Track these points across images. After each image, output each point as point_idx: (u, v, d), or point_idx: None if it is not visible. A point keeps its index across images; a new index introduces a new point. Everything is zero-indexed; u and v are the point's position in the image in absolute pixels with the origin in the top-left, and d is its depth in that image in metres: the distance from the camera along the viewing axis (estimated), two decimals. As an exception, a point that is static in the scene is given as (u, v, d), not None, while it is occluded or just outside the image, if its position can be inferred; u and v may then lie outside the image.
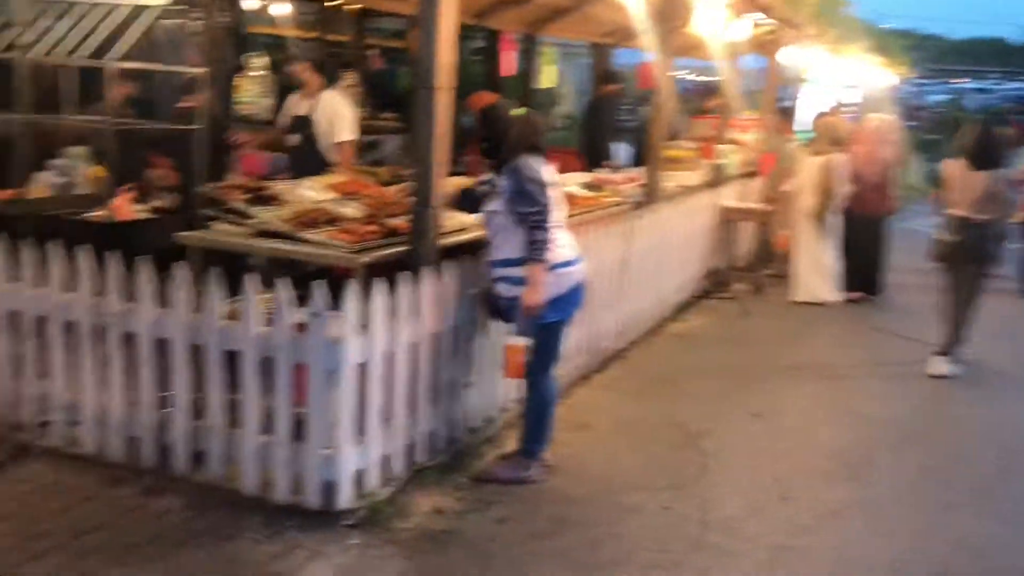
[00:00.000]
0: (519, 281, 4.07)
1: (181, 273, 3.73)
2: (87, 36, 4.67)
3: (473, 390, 4.53)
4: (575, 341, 5.56)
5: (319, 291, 3.51)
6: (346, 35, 10.10)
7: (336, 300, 3.53)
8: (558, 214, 4.16)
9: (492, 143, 4.16)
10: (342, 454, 3.62)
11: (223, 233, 4.31)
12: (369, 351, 3.68)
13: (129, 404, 3.95)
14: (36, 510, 3.63)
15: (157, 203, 5.05)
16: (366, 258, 4.03)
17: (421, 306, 3.98)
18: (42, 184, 6.18)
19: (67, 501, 3.71)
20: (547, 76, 7.85)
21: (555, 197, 4.15)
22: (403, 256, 4.19)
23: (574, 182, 7.08)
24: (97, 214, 4.87)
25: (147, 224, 4.84)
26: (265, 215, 4.21)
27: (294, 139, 5.93)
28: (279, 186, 4.69)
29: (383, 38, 14.29)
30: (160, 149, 6.51)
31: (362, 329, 3.63)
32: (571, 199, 6.10)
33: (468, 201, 4.35)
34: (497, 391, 4.75)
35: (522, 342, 4.02)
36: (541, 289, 3.97)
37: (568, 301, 4.21)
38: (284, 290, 3.57)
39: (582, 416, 5.10)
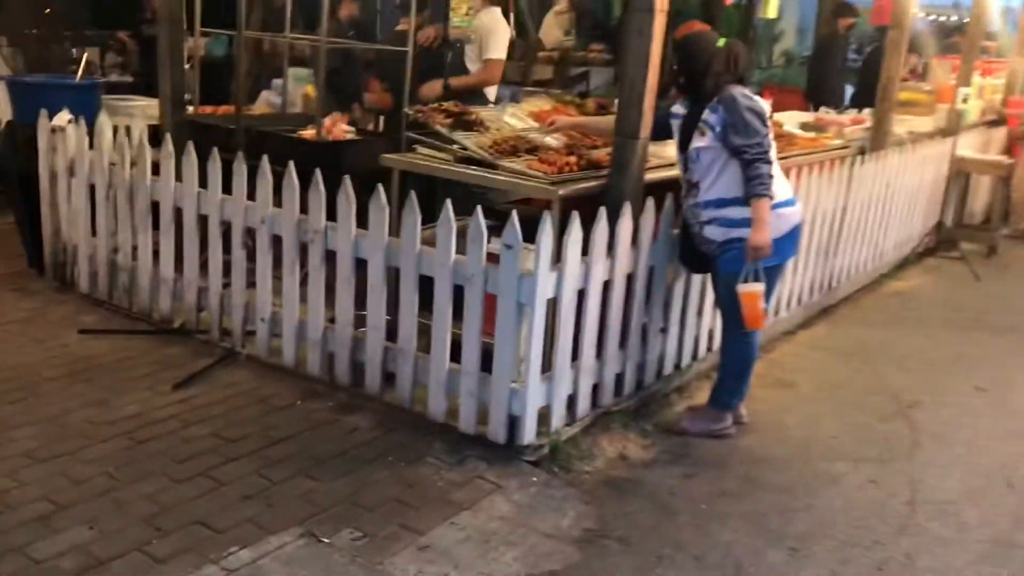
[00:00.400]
0: (733, 223, 3.80)
1: (379, 196, 3.71)
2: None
3: (666, 335, 4.32)
4: (783, 292, 5.22)
5: (512, 222, 3.38)
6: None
7: (531, 232, 3.41)
8: (774, 151, 3.84)
9: (692, 75, 3.85)
10: (528, 389, 3.53)
11: (425, 157, 4.27)
12: (560, 287, 3.54)
13: (328, 320, 4.02)
14: (235, 415, 3.78)
15: (368, 124, 5.09)
16: (563, 190, 3.87)
17: (617, 244, 3.79)
18: (263, 102, 6.43)
19: (264, 409, 3.84)
20: (771, 6, 7.29)
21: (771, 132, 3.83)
22: (602, 189, 4.01)
23: (793, 121, 6.60)
24: (309, 133, 4.96)
25: (356, 145, 4.89)
26: (465, 140, 4.12)
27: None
28: (482, 112, 4.58)
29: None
30: (375, 71, 6.61)
31: (555, 264, 3.50)
32: (789, 139, 5.69)
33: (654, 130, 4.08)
34: (691, 338, 4.52)
35: (758, 287, 3.75)
36: (767, 227, 3.69)
37: (785, 245, 3.90)
38: (478, 219, 3.47)
39: (784, 373, 4.78)
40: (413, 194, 3.67)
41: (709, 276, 4.20)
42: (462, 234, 3.56)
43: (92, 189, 4.72)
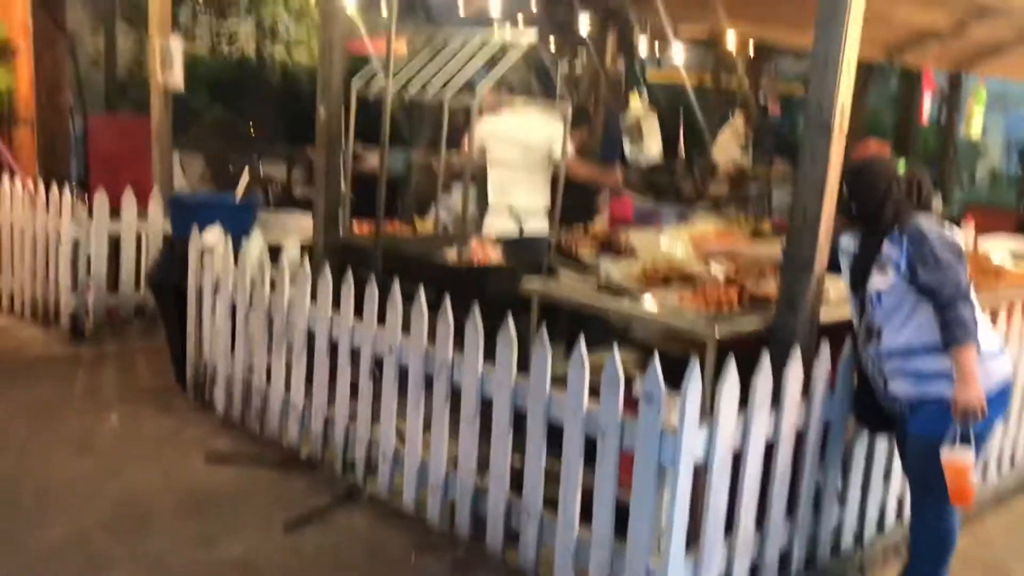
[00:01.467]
0: (925, 377, 3.17)
1: (507, 329, 3.34)
2: (454, 75, 4.53)
3: (844, 503, 3.65)
4: (994, 449, 4.42)
5: (653, 367, 2.91)
6: (741, 78, 9.49)
7: (679, 378, 2.92)
8: (972, 290, 3.21)
9: (868, 204, 3.29)
10: (669, 568, 2.97)
11: (565, 286, 3.89)
12: (711, 447, 3.00)
13: (450, 463, 3.64)
14: (342, 567, 3.43)
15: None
16: (720, 330, 3.36)
17: (784, 395, 3.23)
18: (430, 219, 6.31)
19: (374, 563, 3.47)
20: (974, 124, 6.56)
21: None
22: (767, 330, 3.47)
23: (1002, 249, 5.79)
24: (452, 255, 4.71)
25: (499, 270, 4.57)
26: (611, 268, 3.72)
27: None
28: (635, 236, 4.18)
29: (784, 82, 13.48)
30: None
31: (705, 419, 2.98)
32: (997, 272, 4.93)
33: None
34: (876, 506, 3.82)
35: (967, 456, 3.07)
36: (976, 381, 3.04)
37: (994, 406, 3.21)
38: (615, 362, 3.02)
39: (994, 555, 3.95)
40: (544, 328, 3.27)
41: (895, 438, 3.52)
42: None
43: (235, 308, 4.63)
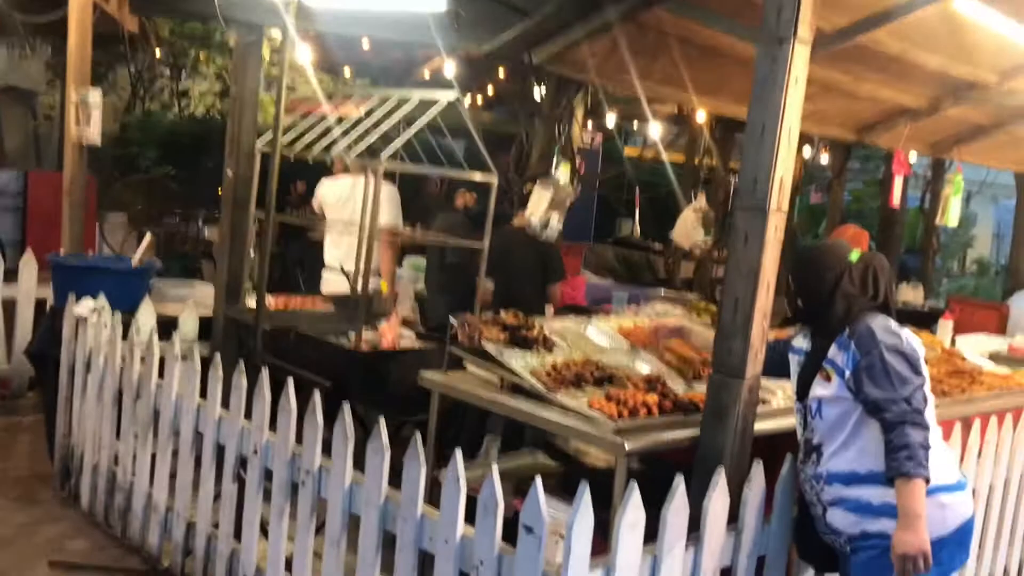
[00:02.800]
0: (869, 509, 2.64)
1: (377, 436, 2.78)
2: (352, 133, 4.08)
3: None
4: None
5: (535, 492, 2.36)
6: (710, 153, 9.10)
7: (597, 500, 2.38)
8: (931, 409, 2.68)
9: (814, 297, 2.80)
10: None
11: (467, 380, 3.35)
12: (608, 591, 2.43)
13: (315, 590, 3.05)
14: None
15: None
16: (630, 442, 2.81)
17: (705, 527, 2.66)
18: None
19: None
20: (950, 212, 6.13)
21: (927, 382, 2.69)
22: (693, 445, 2.93)
23: (980, 349, 5.30)
24: (363, 338, 4.17)
25: (404, 357, 4.02)
26: (515, 362, 3.18)
27: None
28: (557, 323, 3.65)
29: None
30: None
31: (602, 559, 2.41)
32: (972, 375, 4.42)
33: (773, 364, 3.00)
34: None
35: None
36: (922, 524, 2.48)
37: (950, 550, 2.66)
38: (493, 481, 2.47)
39: None
40: (418, 436, 2.71)
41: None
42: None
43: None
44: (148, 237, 5.03)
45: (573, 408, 2.96)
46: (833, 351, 2.73)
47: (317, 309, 4.90)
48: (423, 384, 3.42)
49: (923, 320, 6.46)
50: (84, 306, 4.17)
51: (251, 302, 4.62)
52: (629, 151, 11.65)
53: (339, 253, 5.13)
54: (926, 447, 2.54)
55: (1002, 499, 3.96)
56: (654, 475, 2.77)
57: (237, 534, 3.35)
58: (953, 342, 5.69)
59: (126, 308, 4.53)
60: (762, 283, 2.83)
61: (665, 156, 10.61)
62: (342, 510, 2.90)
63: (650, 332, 3.64)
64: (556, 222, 5.08)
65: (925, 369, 2.71)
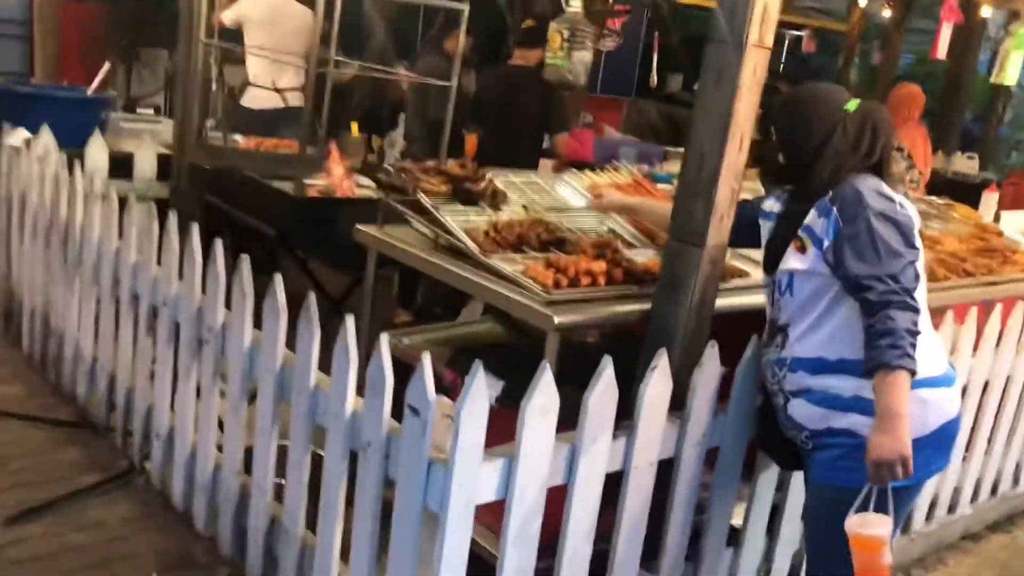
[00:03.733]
0: (838, 402, 2.25)
1: (273, 296, 2.43)
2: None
3: (740, 548, 2.77)
4: (957, 480, 3.49)
5: (422, 369, 2.01)
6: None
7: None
8: (922, 289, 2.24)
9: (797, 152, 2.32)
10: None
11: (408, 235, 2.96)
12: (510, 482, 2.10)
13: (220, 457, 2.79)
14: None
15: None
16: (561, 316, 2.43)
17: (639, 414, 2.30)
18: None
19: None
20: (1008, 70, 5.40)
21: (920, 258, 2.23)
22: (642, 320, 2.55)
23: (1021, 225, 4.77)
24: (317, 183, 3.79)
25: (357, 206, 3.63)
26: (452, 220, 2.77)
27: None
28: (515, 178, 3.22)
29: (817, 17, 12.14)
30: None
31: (506, 448, 2.08)
32: (1004, 253, 3.93)
33: (741, 231, 2.55)
34: (785, 555, 2.93)
35: (881, 529, 2.12)
36: (903, 425, 2.08)
37: (930, 451, 2.27)
38: (382, 354, 2.12)
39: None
40: (312, 296, 2.36)
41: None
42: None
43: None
44: (106, 66, 4.62)
45: (506, 274, 2.56)
46: (811, 217, 2.28)
47: (287, 151, 4.53)
48: (357, 239, 3.05)
49: (969, 192, 5.87)
50: (17, 136, 3.84)
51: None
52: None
53: (270, 69, 4.93)
54: (914, 333, 2.11)
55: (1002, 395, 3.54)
56: (625, 352, 2.42)
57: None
58: (997, 218, 5.14)
59: (78, 142, 4.21)
60: (733, 134, 2.36)
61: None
62: (242, 373, 2.60)
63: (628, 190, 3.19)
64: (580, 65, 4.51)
65: (919, 242, 2.25)
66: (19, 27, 8.85)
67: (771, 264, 2.40)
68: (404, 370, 2.78)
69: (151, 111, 6.35)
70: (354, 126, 4.47)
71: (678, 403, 2.44)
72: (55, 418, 3.48)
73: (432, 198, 2.87)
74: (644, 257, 2.82)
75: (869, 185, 2.23)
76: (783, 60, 13.00)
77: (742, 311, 2.74)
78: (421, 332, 3.25)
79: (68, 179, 3.45)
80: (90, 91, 4.46)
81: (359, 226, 3.05)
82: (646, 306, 2.56)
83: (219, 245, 2.65)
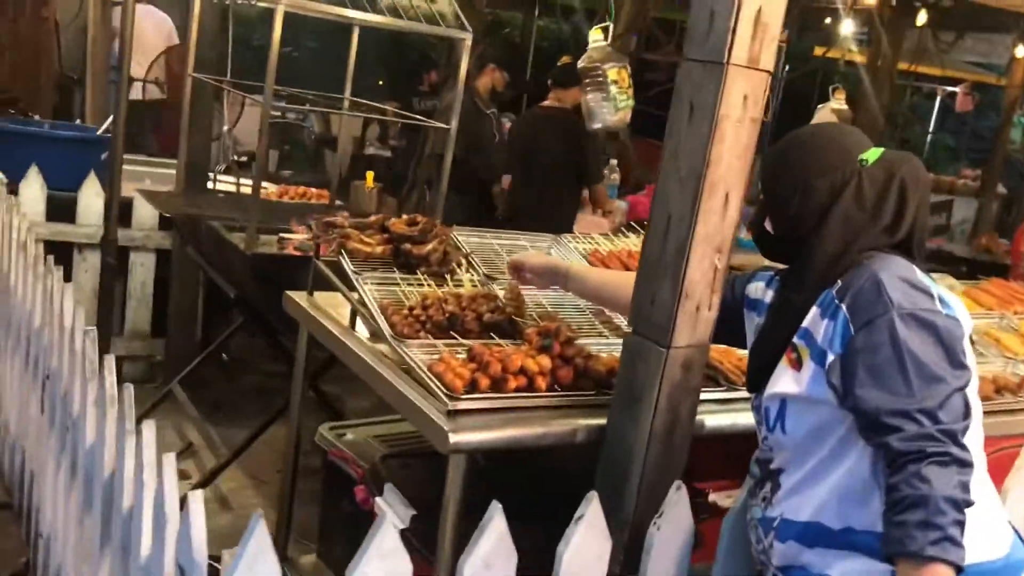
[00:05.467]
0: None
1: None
2: None
3: None
4: None
5: (191, 516, 1.39)
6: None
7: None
8: (977, 428, 1.47)
9: (792, 219, 1.59)
10: None
11: (317, 307, 2.37)
12: None
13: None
14: None
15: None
16: (464, 434, 1.75)
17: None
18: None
19: None
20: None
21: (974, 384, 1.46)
22: (590, 440, 1.85)
23: None
24: (296, 237, 3.28)
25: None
26: (371, 289, 2.15)
27: None
28: (497, 239, 2.57)
29: (974, 71, 10.97)
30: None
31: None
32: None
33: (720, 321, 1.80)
34: None
35: None
36: None
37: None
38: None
39: None
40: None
41: None
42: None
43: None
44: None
45: (413, 367, 1.92)
46: (811, 316, 1.55)
47: (312, 202, 4.07)
48: (286, 308, 2.48)
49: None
50: (-18, 174, 3.51)
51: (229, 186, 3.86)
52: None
53: None
54: (960, 504, 1.34)
55: None
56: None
57: None
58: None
59: (75, 183, 3.88)
60: (712, 188, 1.67)
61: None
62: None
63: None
64: (604, 109, 3.87)
65: (971, 357, 1.48)
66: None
67: (757, 379, 1.66)
68: (340, 480, 2.21)
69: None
70: (369, 176, 3.96)
71: (631, 565, 1.73)
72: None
73: (361, 261, 2.27)
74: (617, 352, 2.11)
75: (895, 271, 1.48)
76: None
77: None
78: (369, 425, 2.64)
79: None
80: (100, 131, 4.15)
81: (288, 293, 2.48)
82: (599, 421, 1.87)
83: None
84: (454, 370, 1.85)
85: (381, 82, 10.25)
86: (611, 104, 3.54)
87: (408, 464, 2.21)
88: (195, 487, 3.24)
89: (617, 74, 3.87)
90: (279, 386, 3.68)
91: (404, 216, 2.42)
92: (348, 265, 2.23)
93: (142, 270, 4.00)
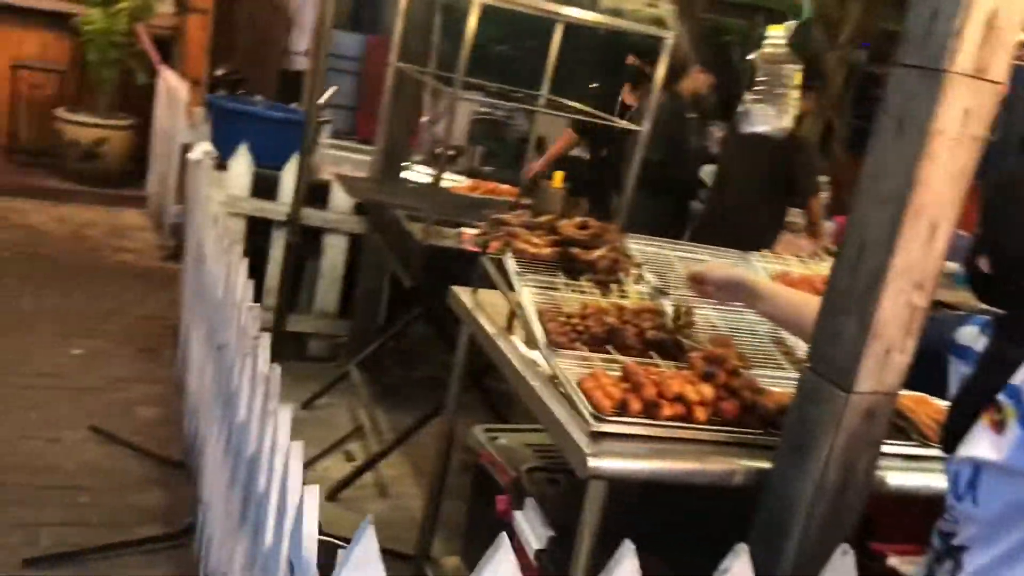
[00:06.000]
0: None
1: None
2: None
3: None
4: None
5: (304, 507, 1.34)
6: None
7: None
8: None
9: (1013, 259, 1.33)
10: None
11: (479, 306, 2.29)
12: None
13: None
14: None
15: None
16: (601, 460, 1.61)
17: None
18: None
19: None
20: None
21: None
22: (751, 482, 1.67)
23: None
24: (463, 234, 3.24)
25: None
26: (528, 295, 2.04)
27: None
28: (675, 250, 2.41)
29: None
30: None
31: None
32: None
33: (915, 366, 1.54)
34: None
35: None
36: None
37: None
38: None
39: None
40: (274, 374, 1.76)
41: None
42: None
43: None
44: (333, 88, 4.44)
45: (562, 378, 1.79)
46: (1024, 374, 1.29)
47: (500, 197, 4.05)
48: (450, 304, 2.43)
49: None
50: (199, 149, 3.71)
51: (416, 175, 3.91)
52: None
53: None
54: None
55: None
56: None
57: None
58: None
59: (280, 161, 4.05)
60: (916, 216, 1.44)
61: None
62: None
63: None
64: (771, 112, 3.59)
65: None
66: (352, 63, 9.36)
67: (953, 438, 1.42)
68: (488, 484, 2.15)
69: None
70: (557, 175, 3.87)
71: (784, 631, 1.53)
72: (161, 454, 3.22)
73: (527, 262, 2.17)
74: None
75: None
76: None
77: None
78: (526, 431, 2.54)
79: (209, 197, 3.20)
80: (303, 112, 4.30)
81: (454, 287, 2.43)
82: (762, 465, 1.68)
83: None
84: (604, 388, 1.71)
85: (596, 84, 10.20)
86: (780, 107, 3.26)
87: (555, 480, 2.09)
88: (357, 471, 3.30)
89: (791, 77, 3.60)
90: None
91: (576, 218, 2.30)
92: (511, 264, 2.14)
93: (334, 252, 4.11)
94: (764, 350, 2.13)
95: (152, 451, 3.23)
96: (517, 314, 2.06)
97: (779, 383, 1.91)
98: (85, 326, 4.22)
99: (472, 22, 2.73)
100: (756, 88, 3.34)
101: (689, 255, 2.47)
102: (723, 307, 2.18)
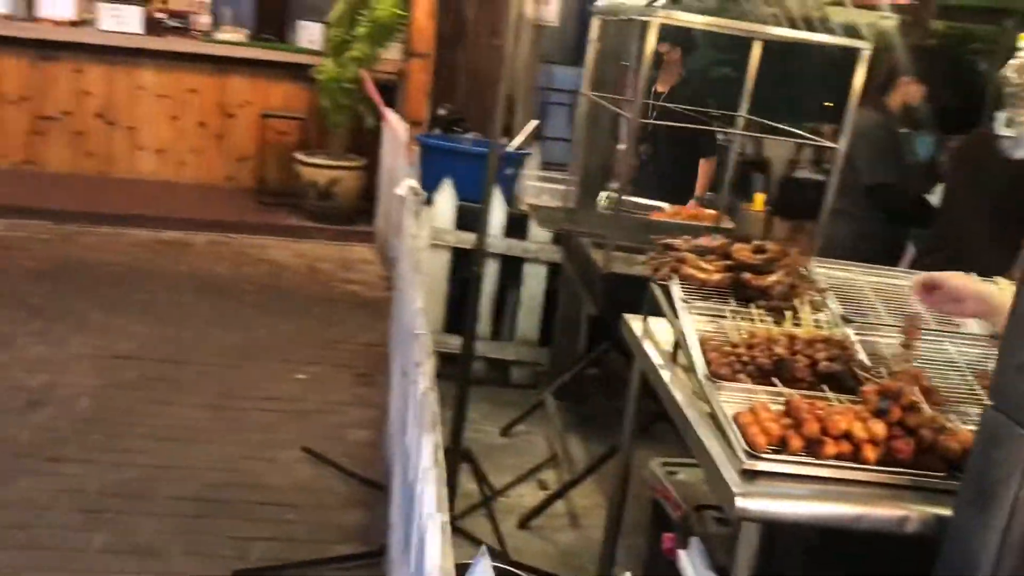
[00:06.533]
0: None
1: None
2: None
3: None
4: None
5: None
6: None
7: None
8: None
9: None
10: None
11: (653, 335, 2.20)
12: None
13: None
14: None
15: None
16: (752, 501, 1.49)
17: None
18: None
19: None
20: None
21: None
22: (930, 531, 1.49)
23: None
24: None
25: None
26: (694, 319, 1.94)
27: None
28: (866, 275, 2.22)
29: None
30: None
31: None
32: None
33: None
34: None
35: None
36: None
37: None
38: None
39: None
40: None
41: None
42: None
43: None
44: (533, 122, 4.52)
45: (717, 412, 1.69)
46: None
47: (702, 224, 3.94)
48: (621, 331, 2.38)
49: None
50: (403, 186, 3.88)
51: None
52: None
53: None
54: None
55: None
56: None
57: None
58: None
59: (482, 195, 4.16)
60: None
61: None
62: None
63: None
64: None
65: None
66: (569, 96, 9.53)
67: None
68: (663, 519, 2.11)
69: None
70: (757, 197, 3.70)
71: None
72: (365, 476, 3.38)
73: (696, 288, 2.09)
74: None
75: None
76: None
77: None
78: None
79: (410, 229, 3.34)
80: (511, 147, 4.40)
81: (626, 316, 2.37)
82: (941, 511, 1.50)
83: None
84: (761, 423, 1.60)
85: (828, 104, 9.73)
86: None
87: (725, 520, 1.98)
88: (548, 499, 3.30)
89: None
90: (652, 408, 3.61)
91: (753, 242, 2.19)
92: (676, 291, 2.06)
93: (533, 281, 4.17)
94: (965, 384, 1.91)
95: (358, 473, 3.40)
96: (680, 342, 1.98)
97: (975, 423, 1.70)
98: (311, 352, 4.53)
99: (651, 41, 2.67)
100: (1012, 105, 2.99)
101: (884, 279, 2.27)
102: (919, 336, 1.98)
